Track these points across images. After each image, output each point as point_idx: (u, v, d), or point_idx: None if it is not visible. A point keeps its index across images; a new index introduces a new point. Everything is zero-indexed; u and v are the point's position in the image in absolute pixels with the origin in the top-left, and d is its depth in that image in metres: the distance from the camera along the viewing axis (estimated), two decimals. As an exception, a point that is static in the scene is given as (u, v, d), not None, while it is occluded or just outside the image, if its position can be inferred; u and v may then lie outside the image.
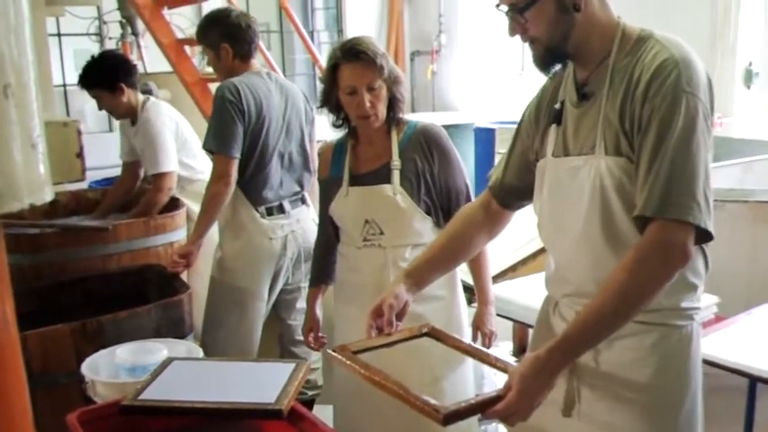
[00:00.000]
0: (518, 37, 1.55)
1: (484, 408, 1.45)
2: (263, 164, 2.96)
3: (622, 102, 1.47)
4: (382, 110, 2.23)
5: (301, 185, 3.12)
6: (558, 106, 1.64)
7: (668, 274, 1.42)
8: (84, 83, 3.42)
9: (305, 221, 3.11)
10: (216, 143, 2.87)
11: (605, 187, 1.50)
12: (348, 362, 1.58)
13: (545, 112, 1.69)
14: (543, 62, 1.57)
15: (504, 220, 1.86)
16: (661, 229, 1.39)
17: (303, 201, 3.15)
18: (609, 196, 1.50)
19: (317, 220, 3.10)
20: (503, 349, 4.05)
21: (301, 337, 2.70)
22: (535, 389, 1.42)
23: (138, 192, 3.76)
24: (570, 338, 1.45)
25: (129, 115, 3.53)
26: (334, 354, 1.62)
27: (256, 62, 3.10)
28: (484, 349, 1.81)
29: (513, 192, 1.78)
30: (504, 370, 1.55)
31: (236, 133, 2.84)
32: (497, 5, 1.54)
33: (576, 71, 1.61)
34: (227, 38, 2.98)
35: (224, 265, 3.03)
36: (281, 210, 3.03)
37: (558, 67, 1.60)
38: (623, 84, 1.48)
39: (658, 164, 1.39)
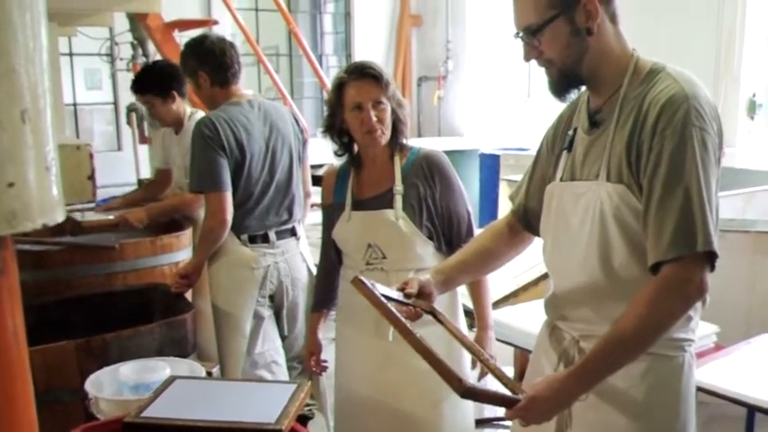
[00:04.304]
0: (524, 64, 1.60)
1: (499, 401, 1.53)
2: (247, 197, 2.91)
3: (630, 133, 1.50)
4: (388, 126, 2.25)
5: (291, 213, 3.04)
6: (571, 133, 1.67)
7: (685, 309, 1.47)
8: (137, 88, 3.54)
9: (291, 255, 3.04)
10: (203, 182, 2.84)
11: (604, 214, 1.52)
12: (377, 300, 1.62)
13: (560, 139, 1.72)
14: (558, 87, 1.60)
15: (528, 239, 1.90)
16: (678, 267, 1.41)
17: (293, 233, 3.06)
18: (607, 223, 1.52)
19: (305, 254, 3.11)
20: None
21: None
22: (545, 410, 1.50)
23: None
24: (586, 366, 1.49)
25: (176, 124, 3.60)
26: (362, 284, 1.65)
27: (239, 88, 3.00)
28: (478, 347, 1.82)
29: (537, 216, 1.78)
30: (498, 376, 1.61)
31: (221, 167, 2.79)
32: (516, 34, 1.57)
33: (590, 99, 1.64)
34: (203, 65, 2.94)
35: (212, 288, 3.01)
36: (265, 239, 2.96)
37: (572, 93, 1.63)
38: (632, 114, 1.50)
39: (670, 201, 1.41)
